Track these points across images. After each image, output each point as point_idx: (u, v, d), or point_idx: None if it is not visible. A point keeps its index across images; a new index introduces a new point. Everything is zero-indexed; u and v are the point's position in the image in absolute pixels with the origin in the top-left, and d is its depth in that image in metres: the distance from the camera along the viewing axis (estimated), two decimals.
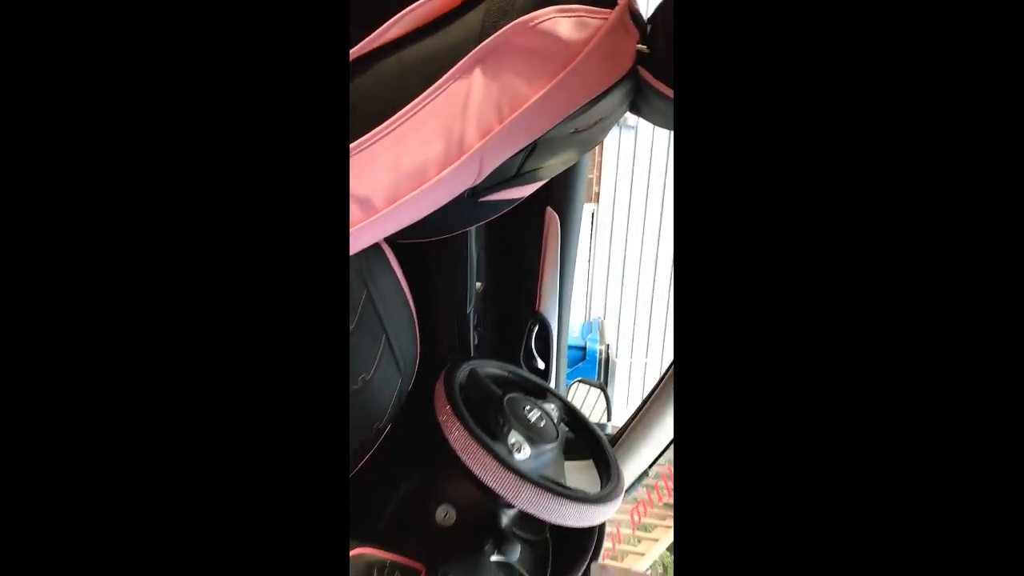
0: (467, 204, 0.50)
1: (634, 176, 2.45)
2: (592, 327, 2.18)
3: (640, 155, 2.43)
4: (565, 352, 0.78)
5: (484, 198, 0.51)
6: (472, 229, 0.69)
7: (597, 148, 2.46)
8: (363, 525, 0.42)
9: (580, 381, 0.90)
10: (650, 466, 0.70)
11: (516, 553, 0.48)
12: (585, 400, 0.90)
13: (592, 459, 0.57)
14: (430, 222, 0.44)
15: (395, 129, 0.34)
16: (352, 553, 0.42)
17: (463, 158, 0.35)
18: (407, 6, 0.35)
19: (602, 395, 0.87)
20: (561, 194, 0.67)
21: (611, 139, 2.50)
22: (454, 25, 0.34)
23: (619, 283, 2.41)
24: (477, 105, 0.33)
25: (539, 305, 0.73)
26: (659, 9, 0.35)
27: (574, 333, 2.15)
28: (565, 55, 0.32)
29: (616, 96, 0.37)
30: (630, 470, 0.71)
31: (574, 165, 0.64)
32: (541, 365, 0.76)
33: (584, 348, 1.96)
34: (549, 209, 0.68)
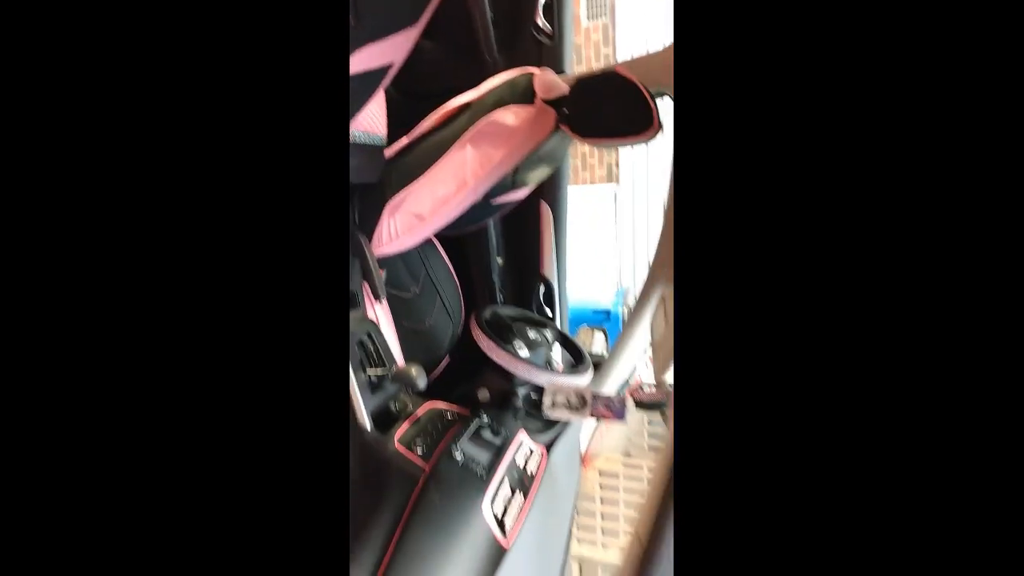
0: (485, 205, 0.82)
1: (648, 158, 2.66)
2: (619, 293, 2.46)
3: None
4: (567, 303, 1.08)
5: (495, 200, 0.83)
6: (491, 221, 1.01)
7: None
8: (439, 393, 0.76)
9: (585, 327, 1.20)
10: (629, 377, 0.99)
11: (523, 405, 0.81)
12: (592, 339, 1.20)
13: (576, 365, 0.87)
14: (461, 220, 0.77)
15: (430, 177, 0.68)
16: (426, 406, 0.76)
17: (466, 189, 0.67)
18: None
19: (603, 334, 1.17)
20: (550, 192, 0.98)
21: None
22: (453, 123, 0.67)
23: (643, 254, 2.64)
24: (470, 163, 0.66)
25: (543, 270, 1.04)
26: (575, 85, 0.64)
27: (608, 298, 2.44)
28: (512, 131, 0.64)
29: (550, 143, 0.68)
30: (614, 379, 1.01)
31: (556, 172, 0.94)
32: (549, 313, 1.07)
33: (608, 312, 2.25)
34: (543, 202, 0.98)
